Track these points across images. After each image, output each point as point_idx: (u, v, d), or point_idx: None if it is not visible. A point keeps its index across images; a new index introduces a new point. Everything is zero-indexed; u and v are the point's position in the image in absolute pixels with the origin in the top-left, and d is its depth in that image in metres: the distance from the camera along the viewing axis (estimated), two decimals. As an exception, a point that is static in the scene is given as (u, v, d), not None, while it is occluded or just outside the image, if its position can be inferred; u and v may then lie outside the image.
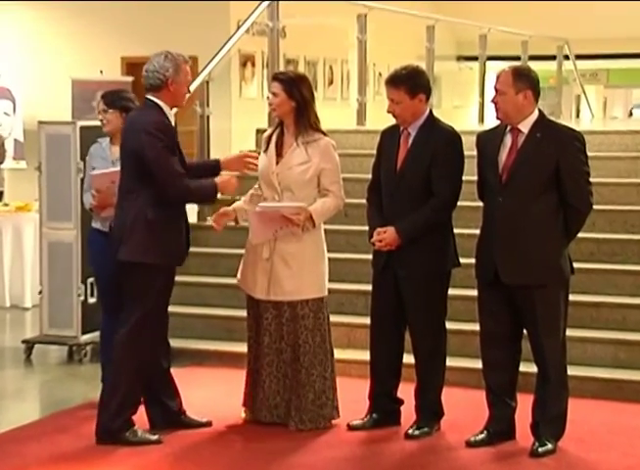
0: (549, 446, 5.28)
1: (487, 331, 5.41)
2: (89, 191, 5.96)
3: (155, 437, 5.39)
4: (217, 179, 5.40)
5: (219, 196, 5.48)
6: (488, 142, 5.37)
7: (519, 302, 5.27)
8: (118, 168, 5.49)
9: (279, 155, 5.58)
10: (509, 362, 5.38)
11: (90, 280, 6.96)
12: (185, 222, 5.38)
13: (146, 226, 5.19)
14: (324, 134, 5.57)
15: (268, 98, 5.67)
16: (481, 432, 5.43)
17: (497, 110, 5.27)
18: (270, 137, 5.67)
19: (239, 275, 5.75)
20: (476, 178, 7.10)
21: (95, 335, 7.05)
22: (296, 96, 5.51)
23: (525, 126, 5.24)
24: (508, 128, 5.30)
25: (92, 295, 7.03)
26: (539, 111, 5.29)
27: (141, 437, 5.35)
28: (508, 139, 5.28)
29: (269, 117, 7.91)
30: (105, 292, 6.02)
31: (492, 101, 5.29)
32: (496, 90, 5.26)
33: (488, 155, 5.33)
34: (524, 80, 5.22)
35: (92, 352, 6.90)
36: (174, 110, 5.40)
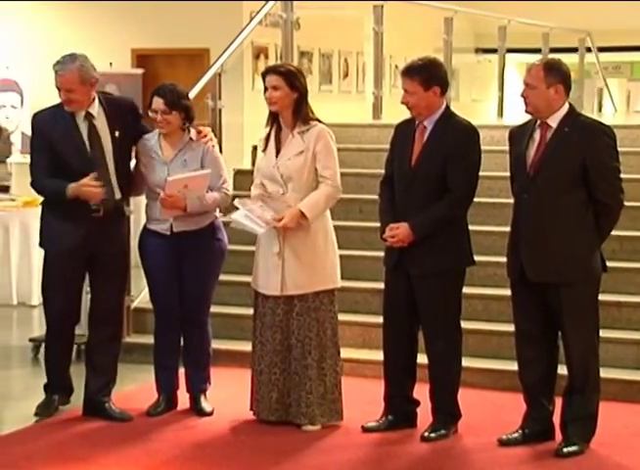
0: (575, 447, 5.23)
1: (520, 329, 5.36)
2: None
3: None
4: (73, 184, 5.47)
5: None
6: (519, 137, 5.31)
7: (548, 300, 5.21)
8: (193, 174, 5.57)
9: (277, 149, 5.55)
10: (543, 361, 5.32)
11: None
12: (83, 213, 5.54)
13: (41, 215, 5.75)
14: (319, 122, 5.55)
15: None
16: (516, 431, 5.38)
17: (527, 104, 5.21)
18: (268, 136, 5.62)
19: (252, 278, 5.73)
20: (493, 174, 7.01)
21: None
22: (297, 87, 5.49)
23: (553, 121, 5.18)
24: (537, 123, 5.23)
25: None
26: (569, 105, 5.23)
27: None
28: (537, 134, 5.23)
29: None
30: (160, 297, 5.88)
31: (522, 95, 5.21)
32: (526, 84, 5.19)
33: (518, 150, 5.26)
34: (555, 74, 5.14)
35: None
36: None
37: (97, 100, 5.66)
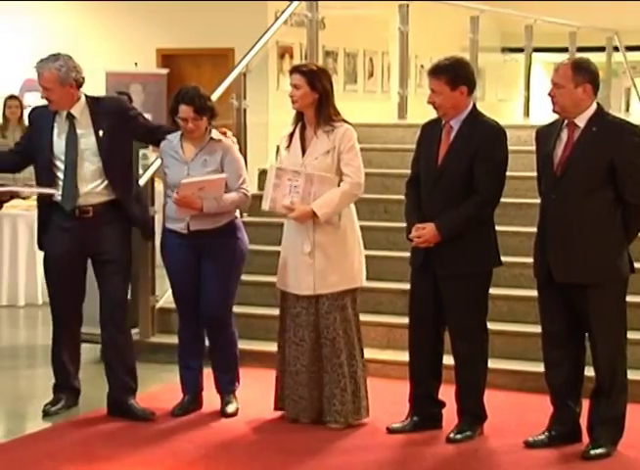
0: (602, 449, 5.19)
1: (547, 331, 5.33)
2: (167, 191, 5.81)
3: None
4: None
5: None
6: (546, 137, 5.27)
7: (575, 301, 5.17)
8: (208, 177, 5.56)
9: (303, 148, 5.55)
10: (569, 362, 5.28)
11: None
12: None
13: (37, 216, 5.92)
14: (345, 122, 5.55)
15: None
16: (542, 433, 5.35)
17: (554, 103, 5.16)
18: (292, 134, 5.62)
19: (277, 278, 5.72)
20: (520, 174, 6.95)
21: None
22: (318, 88, 5.50)
23: (581, 121, 5.13)
24: (565, 123, 5.19)
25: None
26: (597, 104, 5.18)
27: None
28: (564, 134, 5.19)
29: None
30: (181, 296, 5.89)
31: (549, 94, 5.17)
32: (554, 83, 5.15)
33: (545, 150, 5.22)
34: (583, 74, 5.10)
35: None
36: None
37: (83, 101, 5.68)
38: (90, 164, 5.63)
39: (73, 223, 5.66)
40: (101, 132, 5.63)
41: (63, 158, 5.62)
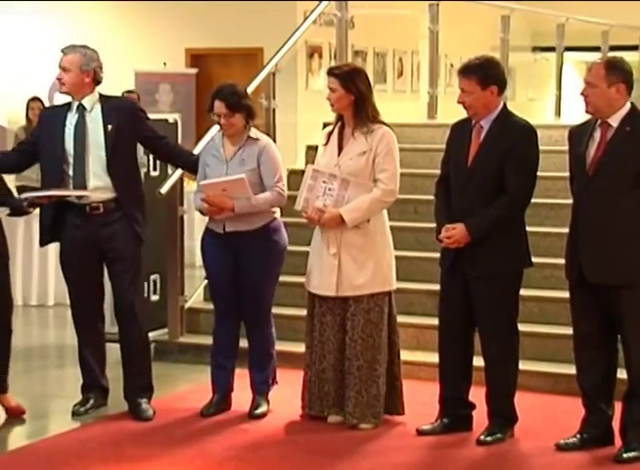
0: (635, 452, 5.14)
1: (579, 332, 5.28)
2: (199, 192, 5.79)
3: None
4: None
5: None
6: (579, 137, 5.23)
7: (606, 302, 5.13)
8: (227, 178, 5.56)
9: (340, 147, 5.55)
10: (601, 364, 5.23)
11: (153, 277, 6.89)
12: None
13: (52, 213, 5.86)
14: (384, 124, 5.53)
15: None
16: (574, 436, 5.30)
17: (587, 103, 5.13)
18: (331, 132, 5.64)
19: (305, 278, 5.73)
20: (551, 174, 6.91)
21: (157, 333, 7.00)
22: (353, 90, 5.50)
23: (614, 120, 5.09)
24: (598, 122, 5.15)
25: (154, 292, 6.97)
26: (631, 104, 5.14)
27: None
28: (597, 134, 5.15)
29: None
30: (218, 295, 5.90)
31: (582, 94, 5.13)
32: (587, 83, 5.11)
33: (578, 150, 5.18)
34: (617, 73, 5.06)
35: (154, 351, 6.83)
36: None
37: (96, 96, 5.74)
38: (97, 158, 5.65)
39: (84, 220, 5.69)
40: (109, 127, 5.66)
41: (72, 153, 5.66)
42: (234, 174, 5.61)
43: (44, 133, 5.77)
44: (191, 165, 5.97)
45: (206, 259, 5.89)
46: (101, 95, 5.77)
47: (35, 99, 10.34)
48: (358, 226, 5.49)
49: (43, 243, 5.92)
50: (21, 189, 7.58)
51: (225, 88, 5.68)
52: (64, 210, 5.71)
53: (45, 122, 5.84)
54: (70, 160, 5.66)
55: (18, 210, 5.76)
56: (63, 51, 5.72)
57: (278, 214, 5.88)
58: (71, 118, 5.71)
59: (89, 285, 5.83)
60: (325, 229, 5.57)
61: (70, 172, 5.66)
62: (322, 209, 5.48)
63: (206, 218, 5.87)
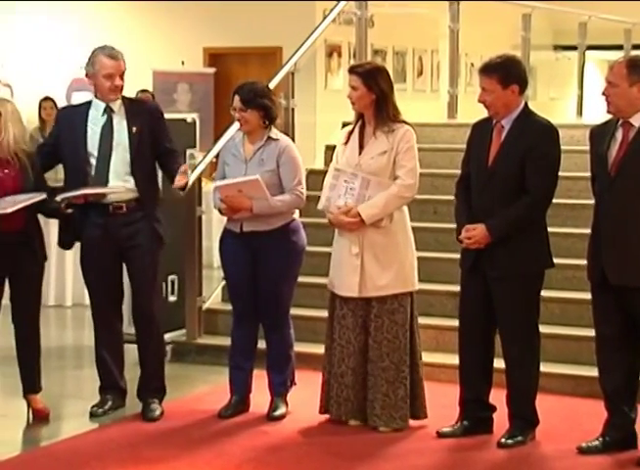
0: None
1: (601, 334, 5.24)
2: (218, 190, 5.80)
3: None
4: None
5: None
6: (600, 136, 5.19)
7: (629, 304, 5.09)
8: (244, 179, 5.55)
9: (361, 146, 5.54)
10: (624, 367, 5.19)
11: (171, 278, 6.86)
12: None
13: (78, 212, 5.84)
14: (406, 123, 5.52)
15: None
16: (596, 439, 5.26)
17: (608, 103, 5.09)
18: (351, 131, 5.62)
19: (328, 279, 5.71)
20: (572, 174, 6.87)
21: (175, 334, 6.98)
22: (375, 89, 5.48)
23: (636, 120, 5.05)
24: (619, 122, 5.10)
25: (172, 293, 6.95)
26: None
27: None
28: (619, 133, 5.10)
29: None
30: (236, 295, 5.88)
31: (603, 93, 5.09)
32: (608, 82, 5.08)
33: (599, 150, 5.14)
34: (639, 72, 5.01)
35: (172, 352, 6.82)
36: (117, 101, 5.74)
37: (120, 99, 5.76)
38: (122, 159, 5.67)
39: (107, 219, 5.69)
40: (134, 129, 5.68)
41: (95, 153, 5.66)
42: (253, 174, 5.59)
43: (64, 133, 5.78)
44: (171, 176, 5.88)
45: (225, 260, 5.87)
46: (123, 97, 5.79)
47: (47, 99, 10.35)
48: (380, 226, 5.47)
49: (65, 244, 5.91)
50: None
51: (246, 85, 5.73)
52: (86, 209, 5.69)
53: (64, 122, 5.83)
54: (92, 160, 5.67)
55: (56, 211, 5.73)
56: (116, 56, 5.72)
57: (297, 215, 5.83)
58: (95, 119, 5.71)
59: (109, 284, 5.82)
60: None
61: (92, 173, 5.66)
62: (343, 207, 5.46)
63: (225, 219, 5.85)
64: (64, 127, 5.81)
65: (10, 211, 5.40)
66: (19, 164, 5.54)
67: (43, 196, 5.50)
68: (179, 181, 5.69)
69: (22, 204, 5.44)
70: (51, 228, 6.93)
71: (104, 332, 5.91)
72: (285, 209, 5.68)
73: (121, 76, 5.72)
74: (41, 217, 5.73)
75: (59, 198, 5.62)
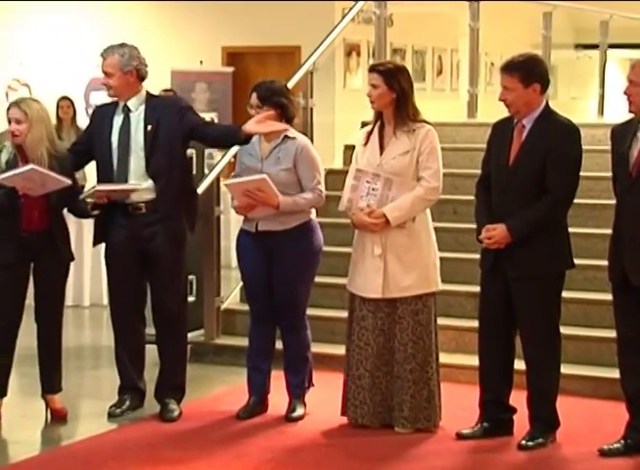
0: None
1: (622, 336, 5.21)
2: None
3: None
4: None
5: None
6: (621, 136, 5.16)
7: None
8: (249, 178, 5.53)
9: (381, 147, 5.51)
10: None
11: (189, 278, 6.84)
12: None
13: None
14: (427, 123, 5.50)
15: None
16: (618, 441, 5.22)
17: (630, 102, 5.06)
18: (371, 132, 5.59)
19: (348, 280, 5.67)
20: (594, 174, 6.81)
21: (193, 334, 6.97)
22: (395, 88, 5.46)
23: None
24: (641, 121, 5.07)
25: (191, 293, 6.94)
26: None
27: None
28: None
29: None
30: (253, 296, 5.86)
31: (624, 92, 5.05)
32: (630, 81, 5.04)
33: (620, 149, 5.10)
34: None
35: (190, 353, 6.81)
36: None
37: (143, 95, 5.71)
38: (138, 159, 5.64)
39: (129, 220, 5.68)
40: (149, 127, 5.64)
41: (116, 153, 5.66)
42: (268, 173, 5.56)
43: (95, 132, 5.80)
44: (241, 141, 5.71)
45: (241, 260, 5.85)
46: (148, 94, 5.75)
47: (64, 98, 10.36)
48: (403, 226, 5.44)
49: (96, 243, 5.95)
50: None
51: (264, 83, 5.72)
52: (112, 210, 5.69)
53: (96, 122, 5.84)
54: (115, 161, 5.66)
55: (84, 212, 5.73)
56: (102, 55, 5.69)
57: (314, 215, 5.80)
58: (117, 120, 5.71)
59: (131, 285, 5.80)
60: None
61: (115, 174, 5.65)
62: (365, 209, 5.43)
63: (242, 218, 5.83)
64: (95, 126, 5.82)
65: (36, 193, 5.45)
66: (48, 164, 5.52)
67: (69, 182, 5.49)
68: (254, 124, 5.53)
69: (50, 189, 5.47)
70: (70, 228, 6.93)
71: (125, 332, 5.89)
72: (308, 207, 5.67)
73: (108, 74, 5.63)
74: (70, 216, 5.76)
75: (81, 197, 5.62)
